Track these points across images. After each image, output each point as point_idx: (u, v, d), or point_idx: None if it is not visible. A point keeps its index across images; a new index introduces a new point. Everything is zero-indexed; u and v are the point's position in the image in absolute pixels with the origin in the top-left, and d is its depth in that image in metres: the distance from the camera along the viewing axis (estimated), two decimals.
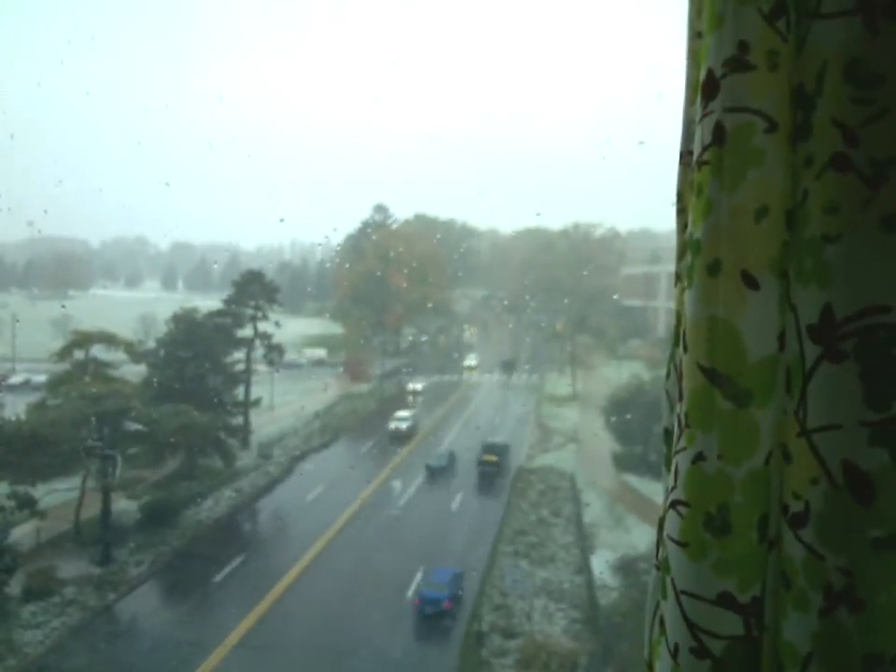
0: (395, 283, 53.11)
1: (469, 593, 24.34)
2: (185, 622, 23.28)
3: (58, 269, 61.02)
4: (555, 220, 59.17)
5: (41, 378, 36.16)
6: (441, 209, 65.06)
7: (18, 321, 40.58)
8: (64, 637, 21.96)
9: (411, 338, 57.52)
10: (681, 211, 1.05)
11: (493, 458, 33.88)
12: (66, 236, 62.48)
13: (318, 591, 24.38)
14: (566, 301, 49.94)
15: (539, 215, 64.88)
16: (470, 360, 44.23)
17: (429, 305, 53.54)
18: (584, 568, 26.06)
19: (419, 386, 46.96)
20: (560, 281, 51.62)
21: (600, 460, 33.46)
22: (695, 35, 1.00)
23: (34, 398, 32.88)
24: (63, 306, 43.06)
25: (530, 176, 69.94)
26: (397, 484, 32.98)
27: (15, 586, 23.06)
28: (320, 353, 50.53)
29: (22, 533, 25.46)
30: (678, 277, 1.02)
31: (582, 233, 58.71)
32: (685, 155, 1.05)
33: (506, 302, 55.95)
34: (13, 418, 29.73)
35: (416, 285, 53.92)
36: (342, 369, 49.20)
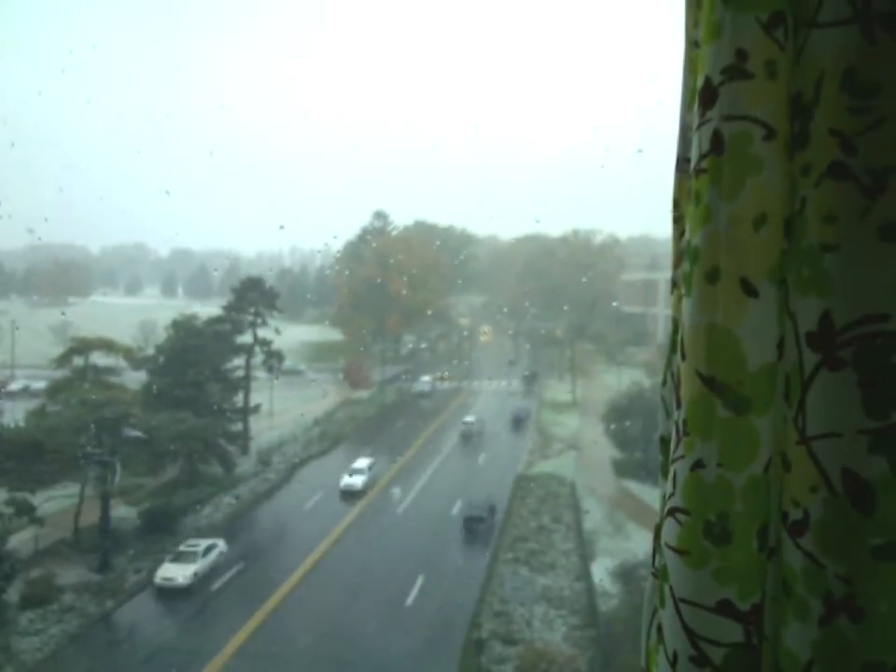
0: (395, 289, 53.16)
1: (468, 600, 24.29)
2: (183, 629, 23.23)
3: (58, 276, 61.08)
4: (555, 227, 59.28)
5: (41, 385, 36.17)
6: (440, 216, 65.10)
7: (17, 328, 40.58)
8: (63, 644, 21.89)
9: (410, 345, 57.53)
10: (678, 219, 1.05)
11: None
12: (66, 243, 62.70)
13: (317, 599, 24.30)
14: (565, 307, 50.00)
15: (538, 222, 64.98)
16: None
17: (429, 312, 53.57)
18: (584, 575, 26.01)
19: (427, 388, 48.34)
20: (560, 287, 51.71)
21: (600, 467, 33.42)
22: (692, 44, 1.00)
23: (33, 404, 32.87)
24: (62, 313, 43.12)
25: (530, 183, 70.03)
26: (396, 491, 32.95)
27: (13, 593, 23.01)
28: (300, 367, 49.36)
29: (21, 540, 25.41)
30: (674, 284, 1.01)
31: (582, 240, 58.88)
32: (682, 162, 1.04)
33: (505, 309, 55.96)
34: (12, 425, 29.69)
35: (416, 291, 53.97)
36: (341, 375, 49.17)
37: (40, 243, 52.97)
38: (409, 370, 51.22)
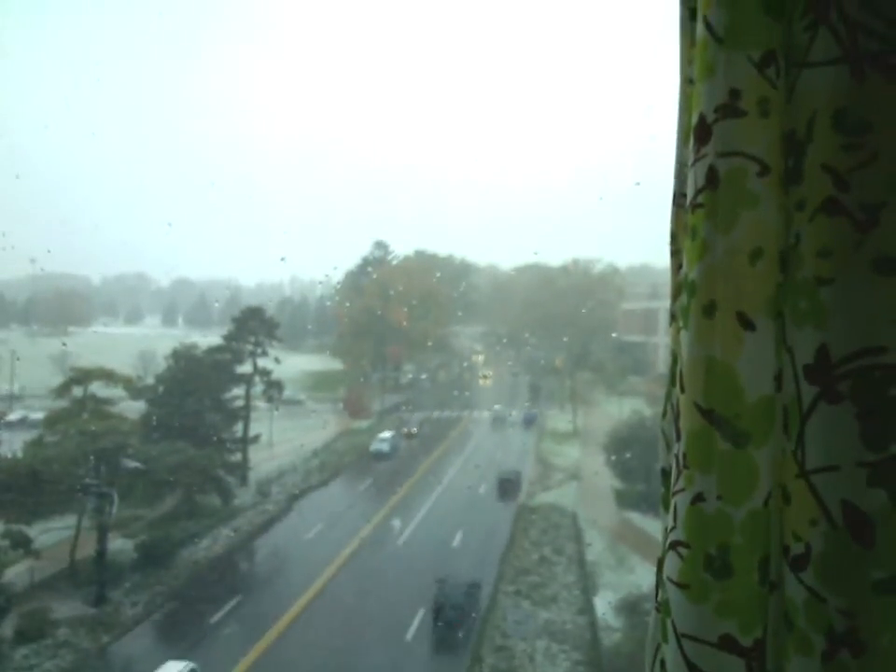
0: (395, 319, 53.30)
1: (467, 634, 23.96)
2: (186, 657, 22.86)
3: (59, 305, 61.26)
4: (555, 257, 59.54)
5: (39, 415, 36.04)
6: (440, 245, 65.50)
7: (18, 359, 40.58)
8: None
9: (410, 375, 57.49)
10: (675, 252, 1.06)
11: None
12: (68, 273, 62.97)
13: (316, 632, 23.98)
14: (565, 338, 50.05)
15: (536, 254, 65.31)
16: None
17: (429, 343, 53.65)
18: (587, 609, 25.68)
19: (414, 430, 45.71)
20: (559, 317, 51.82)
21: (602, 497, 33.15)
22: (687, 81, 1.03)
23: (31, 435, 32.73)
24: (63, 343, 43.08)
25: (529, 214, 70.51)
26: (396, 523, 32.67)
27: (7, 628, 22.70)
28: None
29: (16, 573, 25.14)
30: (673, 317, 1.02)
31: (582, 269, 59.12)
32: (678, 197, 1.06)
33: (505, 340, 56.04)
34: (9, 455, 29.55)
35: (416, 321, 54.11)
36: (341, 405, 49.07)
37: (42, 273, 53.10)
38: (409, 399, 51.14)
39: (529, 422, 46.76)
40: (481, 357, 60.99)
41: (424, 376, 57.10)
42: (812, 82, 0.85)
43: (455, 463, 40.56)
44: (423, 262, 62.95)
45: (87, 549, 26.93)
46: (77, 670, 22.12)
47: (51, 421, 33.44)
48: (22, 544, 25.61)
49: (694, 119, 0.93)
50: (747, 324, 0.87)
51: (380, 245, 61.83)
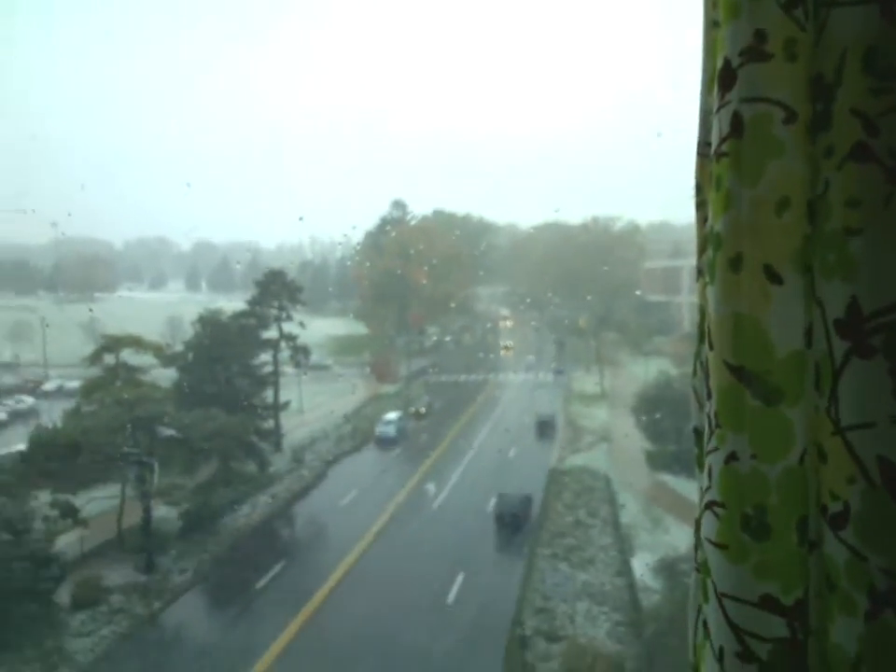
0: (416, 280, 53.07)
1: (508, 597, 24.42)
2: (230, 629, 23.46)
3: (83, 271, 61.27)
4: (574, 215, 58.92)
5: (74, 384, 36.42)
6: (459, 204, 64.86)
7: (48, 325, 40.80)
8: (114, 645, 22.20)
9: (435, 337, 57.52)
10: (701, 204, 1.04)
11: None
12: (90, 237, 62.88)
13: (360, 595, 24.48)
14: (588, 297, 49.81)
15: (557, 211, 64.54)
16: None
17: (452, 304, 53.52)
18: (625, 571, 26.07)
19: (423, 409, 43.68)
20: (581, 276, 51.51)
21: (633, 459, 33.37)
22: (711, 24, 0.99)
23: (68, 404, 33.12)
24: (90, 310, 43.20)
25: (548, 170, 69.61)
26: (430, 488, 33.08)
27: (63, 595, 23.32)
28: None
29: (67, 542, 25.69)
30: (699, 272, 1.00)
31: (602, 227, 58.54)
32: (703, 146, 1.03)
33: (529, 300, 55.81)
34: (50, 425, 29.94)
35: (438, 282, 53.86)
36: (368, 369, 49.25)
37: (64, 237, 53.14)
38: (435, 363, 51.27)
39: (559, 374, 48.39)
40: (509, 323, 60.85)
41: (448, 339, 57.14)
42: (842, 23, 0.82)
43: (484, 426, 40.87)
44: (441, 222, 62.46)
45: (132, 517, 27.45)
46: (133, 635, 22.78)
47: (87, 390, 33.75)
48: (70, 514, 26.09)
49: (719, 64, 0.90)
50: (774, 277, 0.86)
51: (398, 205, 61.41)
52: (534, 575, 25.79)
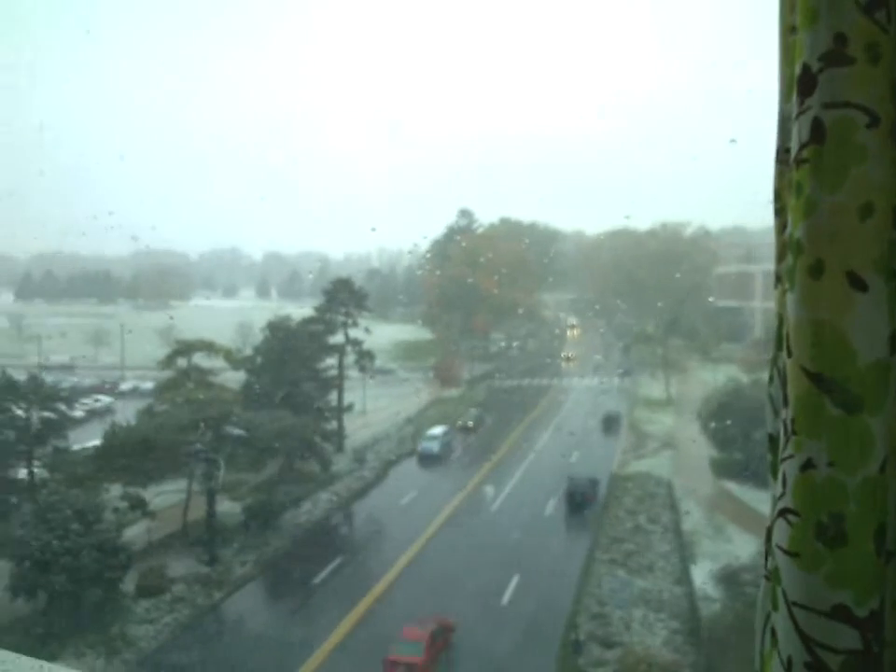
0: (485, 288, 53.25)
1: (564, 601, 24.14)
2: (288, 621, 23.94)
3: (160, 281, 64.14)
4: (642, 221, 57.97)
5: (148, 385, 37.92)
6: (525, 212, 64.69)
7: (130, 331, 42.76)
8: (176, 632, 22.95)
9: (500, 343, 57.56)
10: (779, 211, 1.02)
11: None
12: (167, 249, 65.63)
13: (415, 594, 24.61)
14: (659, 304, 48.96)
15: (628, 218, 63.57)
16: None
17: (520, 311, 53.45)
18: (684, 579, 25.42)
19: (470, 423, 41.45)
20: (650, 282, 50.70)
21: (698, 466, 32.56)
22: (788, 29, 0.97)
23: (142, 403, 34.53)
24: (170, 317, 44.95)
25: (616, 177, 68.76)
26: (489, 490, 33.02)
27: (129, 583, 24.24)
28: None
29: (134, 533, 26.74)
30: (778, 279, 0.99)
31: (671, 233, 57.56)
32: (781, 153, 1.01)
33: (597, 306, 55.22)
34: (124, 423, 31.26)
35: (505, 289, 53.87)
36: (432, 374, 49.64)
37: (143, 250, 55.74)
38: (499, 368, 51.29)
39: (624, 378, 48.06)
40: (576, 331, 60.28)
41: (514, 345, 57.06)
42: None
43: (545, 431, 40.58)
44: (508, 229, 62.50)
45: (197, 511, 28.38)
46: (193, 624, 23.49)
47: (160, 391, 35.21)
48: (139, 506, 27.21)
49: (798, 70, 0.88)
50: (857, 284, 0.83)
51: (465, 214, 61.74)
52: (590, 580, 25.42)
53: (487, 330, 56.73)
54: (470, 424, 41.28)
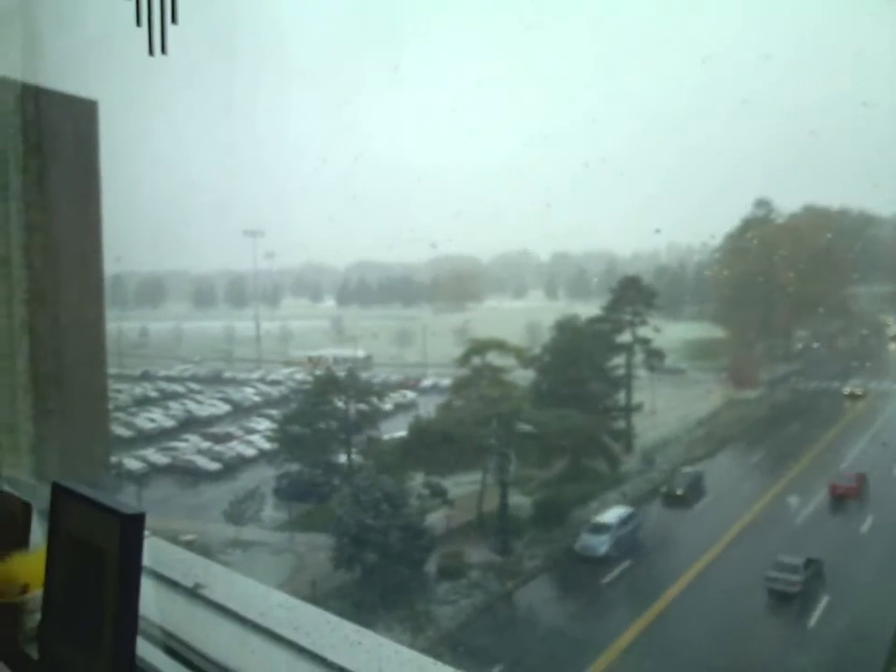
0: (782, 283, 49.30)
1: (885, 628, 21.52)
2: (576, 618, 24.28)
3: (456, 285, 68.45)
4: None
5: (445, 382, 40.72)
6: (832, 199, 58.45)
7: (434, 333, 46.49)
8: (471, 616, 24.40)
9: (802, 343, 52.76)
10: None
11: None
12: (460, 254, 69.79)
13: (708, 602, 23.63)
14: None
15: None
16: None
17: (821, 310, 48.69)
18: None
19: (680, 490, 31.80)
20: None
21: None
22: None
23: (440, 399, 37.19)
24: (466, 321, 47.69)
25: None
26: (793, 500, 30.40)
27: (431, 565, 26.29)
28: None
29: (434, 519, 28.91)
30: None
31: None
32: None
33: None
34: (425, 417, 33.96)
35: (806, 284, 49.36)
36: (725, 374, 47.03)
37: (441, 256, 59.99)
38: (801, 369, 47.09)
39: None
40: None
41: (817, 344, 52.01)
42: None
43: (859, 440, 36.42)
44: (812, 219, 57.04)
45: (490, 502, 29.91)
46: (487, 610, 24.81)
47: (457, 387, 37.58)
48: (440, 494, 29.45)
49: None
50: None
51: (762, 204, 57.36)
52: None
53: (787, 329, 52.31)
54: (679, 492, 31.64)
